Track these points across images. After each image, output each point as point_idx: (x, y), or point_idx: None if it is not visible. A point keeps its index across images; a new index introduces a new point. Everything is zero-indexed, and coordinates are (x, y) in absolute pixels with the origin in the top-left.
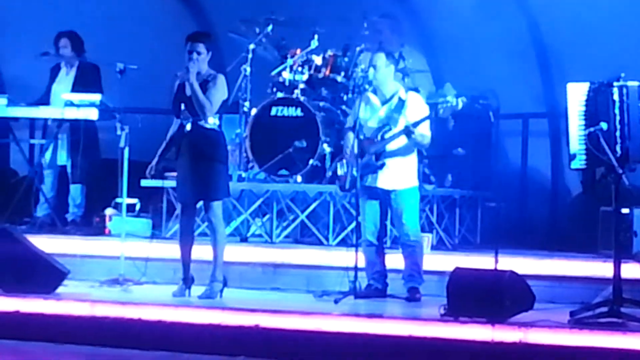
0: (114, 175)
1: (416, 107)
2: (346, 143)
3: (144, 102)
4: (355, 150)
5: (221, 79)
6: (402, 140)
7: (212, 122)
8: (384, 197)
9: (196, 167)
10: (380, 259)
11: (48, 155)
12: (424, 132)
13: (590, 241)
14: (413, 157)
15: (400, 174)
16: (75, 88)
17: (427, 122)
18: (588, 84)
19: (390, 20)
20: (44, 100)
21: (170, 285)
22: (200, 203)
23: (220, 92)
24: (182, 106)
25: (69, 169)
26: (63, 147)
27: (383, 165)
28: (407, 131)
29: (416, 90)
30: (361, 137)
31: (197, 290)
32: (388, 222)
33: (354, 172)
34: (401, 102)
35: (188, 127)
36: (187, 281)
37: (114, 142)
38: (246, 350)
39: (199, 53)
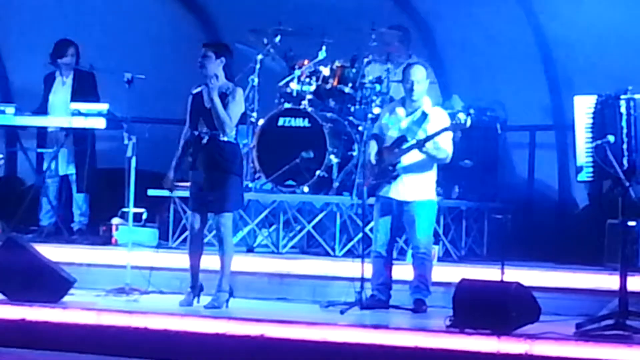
0: (121, 185)
1: (438, 122)
2: (367, 150)
3: (152, 112)
4: (374, 160)
5: (239, 93)
6: (418, 154)
7: (230, 134)
8: (397, 209)
9: (211, 179)
10: (387, 270)
11: (52, 163)
12: (444, 146)
13: (596, 253)
14: (432, 172)
15: (416, 187)
16: (73, 97)
17: (449, 136)
18: (595, 97)
19: (399, 32)
20: (42, 110)
21: (176, 294)
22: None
23: (238, 106)
24: (200, 119)
25: (72, 178)
26: (65, 157)
27: (397, 176)
28: (418, 145)
29: None
30: (382, 146)
31: (203, 300)
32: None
33: (371, 182)
34: (424, 116)
35: (205, 139)
36: (196, 289)
37: (120, 151)
38: None
39: (204, 56)
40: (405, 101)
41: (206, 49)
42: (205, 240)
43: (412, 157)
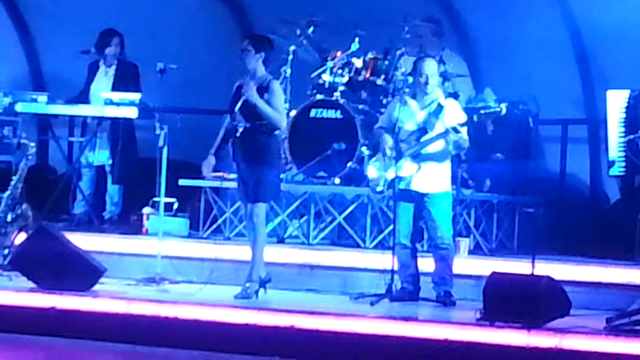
0: (152, 175)
1: (454, 113)
2: (382, 145)
3: (184, 102)
4: (394, 153)
5: (276, 85)
6: (439, 145)
7: (263, 126)
8: (419, 200)
9: (246, 169)
10: (414, 261)
11: (88, 153)
12: (465, 136)
13: (628, 248)
14: (447, 163)
15: (434, 178)
16: (115, 87)
17: (465, 127)
18: (629, 92)
19: (432, 24)
20: (83, 99)
21: (206, 284)
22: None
23: (279, 97)
24: (237, 111)
25: (107, 168)
26: (102, 146)
27: (418, 168)
28: (453, 131)
29: (456, 94)
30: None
31: (234, 290)
32: (423, 225)
33: (389, 175)
34: (440, 108)
35: (240, 131)
36: (257, 283)
37: (152, 141)
38: (281, 351)
39: (243, 50)
40: (416, 94)
41: (246, 42)
42: (236, 231)
43: (431, 148)
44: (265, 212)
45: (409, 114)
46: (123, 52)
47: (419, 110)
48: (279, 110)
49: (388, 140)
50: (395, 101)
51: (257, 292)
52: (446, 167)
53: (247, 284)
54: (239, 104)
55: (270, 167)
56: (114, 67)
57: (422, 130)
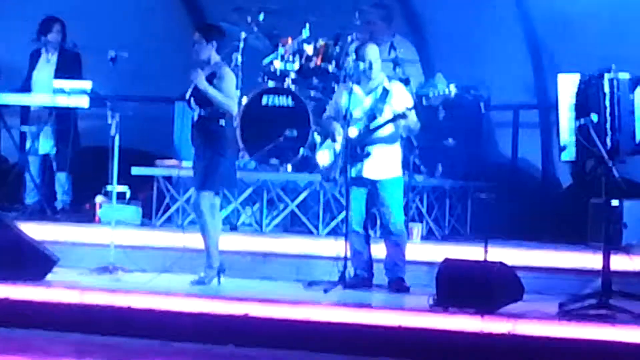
0: (105, 163)
1: (401, 96)
2: (332, 132)
3: (135, 90)
4: (342, 140)
5: (226, 70)
6: (388, 129)
7: (216, 114)
8: (371, 187)
9: (197, 157)
10: (367, 248)
11: (35, 142)
12: (415, 118)
13: (580, 233)
14: (397, 147)
15: (385, 164)
16: (57, 75)
17: (413, 110)
18: (579, 76)
19: (382, 10)
20: (26, 87)
21: (159, 273)
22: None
23: (229, 83)
24: (192, 98)
25: (52, 157)
26: (47, 135)
27: (368, 154)
28: (403, 115)
29: (407, 80)
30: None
31: (188, 278)
32: (376, 212)
33: (341, 162)
34: (385, 92)
35: (195, 118)
36: (214, 270)
37: (104, 129)
38: (235, 339)
39: (195, 42)
40: (360, 80)
41: (197, 35)
42: (189, 219)
43: (381, 133)
44: (213, 200)
45: (355, 101)
46: (65, 39)
47: (365, 96)
48: (230, 95)
49: (338, 128)
50: (340, 88)
51: (216, 278)
52: (397, 152)
53: (204, 272)
54: (188, 92)
55: (219, 155)
56: (56, 55)
57: (371, 116)
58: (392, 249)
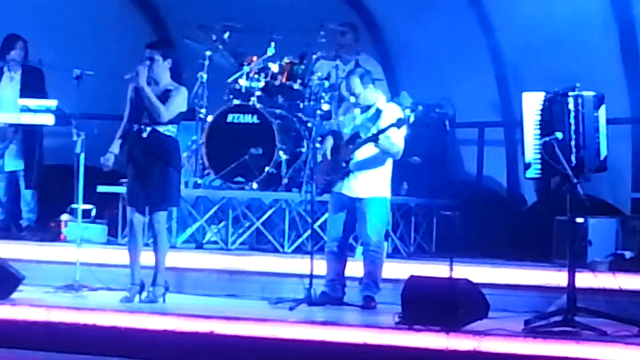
0: (70, 181)
1: (391, 118)
2: (323, 146)
3: (100, 108)
4: (329, 155)
5: (183, 92)
6: (372, 149)
7: (166, 129)
8: (350, 205)
9: (149, 173)
10: (340, 267)
11: (0, 160)
12: (395, 141)
13: (545, 250)
14: (385, 168)
15: (368, 183)
16: (21, 93)
17: (401, 132)
18: (544, 93)
19: (347, 28)
20: None
21: (125, 291)
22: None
23: (179, 102)
24: (144, 112)
25: (20, 174)
26: (13, 154)
27: (349, 172)
28: (369, 140)
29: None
30: (338, 143)
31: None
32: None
33: (326, 178)
34: (377, 112)
35: (146, 132)
36: (138, 287)
37: (69, 147)
38: (201, 357)
39: (153, 60)
40: (357, 102)
41: (152, 51)
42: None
43: (364, 153)
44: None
45: (350, 119)
46: (27, 56)
47: (359, 115)
48: (170, 109)
49: (329, 143)
50: (343, 106)
51: (163, 295)
52: (382, 172)
53: (152, 288)
54: (128, 108)
55: (174, 170)
56: (19, 73)
57: (355, 135)
58: (367, 267)
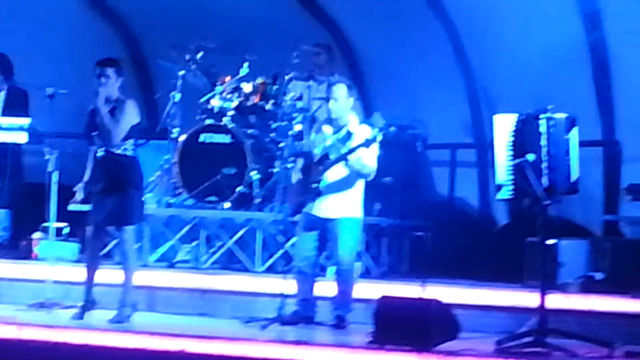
0: (43, 200)
1: (361, 139)
2: (294, 167)
3: (74, 127)
4: (297, 177)
5: (130, 104)
6: (343, 170)
7: (124, 147)
8: (321, 225)
9: (110, 193)
10: (309, 286)
11: None
12: (367, 162)
13: (516, 271)
14: (356, 189)
15: (339, 204)
16: (5, 112)
17: (373, 152)
18: (516, 115)
19: (321, 49)
20: None
21: (99, 309)
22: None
23: (128, 116)
24: (95, 133)
25: None
26: None
27: (319, 193)
28: (339, 160)
29: None
30: (308, 164)
31: (103, 314)
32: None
33: (297, 199)
34: (348, 134)
35: (100, 153)
36: (89, 304)
37: (43, 166)
38: None
39: (107, 77)
40: (331, 120)
41: (105, 68)
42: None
43: (335, 174)
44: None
45: (320, 140)
46: (13, 77)
47: (331, 136)
48: (119, 126)
49: (298, 164)
50: (315, 126)
51: (129, 316)
52: (353, 192)
53: (121, 309)
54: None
55: (133, 188)
56: (3, 92)
57: (325, 156)
58: (339, 286)
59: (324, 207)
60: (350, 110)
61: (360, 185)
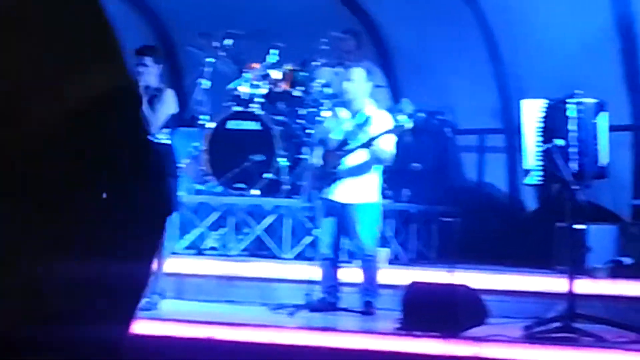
0: None
1: (380, 124)
2: (313, 154)
3: None
4: (317, 162)
5: (169, 93)
6: (362, 156)
7: (161, 136)
8: (341, 211)
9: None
10: (334, 272)
11: None
12: (386, 147)
13: (544, 257)
14: (373, 174)
15: (358, 189)
16: None
17: (391, 138)
18: (544, 101)
19: (350, 35)
20: None
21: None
22: None
23: (166, 106)
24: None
25: None
26: None
27: (338, 178)
28: (361, 146)
29: None
30: (327, 149)
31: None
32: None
33: (315, 185)
34: (366, 119)
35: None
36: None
37: None
38: None
39: (145, 66)
40: (347, 104)
41: (144, 57)
42: None
43: (353, 159)
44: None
45: (337, 124)
46: None
47: (348, 120)
48: (158, 116)
49: (317, 150)
50: (331, 112)
51: (156, 303)
52: (371, 178)
53: (150, 296)
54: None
55: (170, 177)
56: None
57: (343, 141)
58: (364, 273)
59: (343, 193)
60: (367, 95)
61: (377, 170)
